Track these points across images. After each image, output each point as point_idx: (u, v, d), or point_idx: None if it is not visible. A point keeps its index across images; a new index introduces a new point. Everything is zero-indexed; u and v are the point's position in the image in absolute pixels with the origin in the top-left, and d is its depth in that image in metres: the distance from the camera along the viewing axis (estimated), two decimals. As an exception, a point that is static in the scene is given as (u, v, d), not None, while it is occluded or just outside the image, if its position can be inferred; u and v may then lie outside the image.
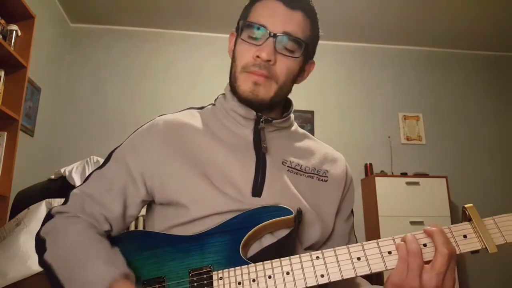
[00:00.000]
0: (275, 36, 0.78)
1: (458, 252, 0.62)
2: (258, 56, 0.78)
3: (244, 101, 0.81)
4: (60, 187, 2.13)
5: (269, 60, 0.78)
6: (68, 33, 3.67)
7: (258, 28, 0.79)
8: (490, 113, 4.12)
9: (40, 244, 0.75)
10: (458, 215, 3.65)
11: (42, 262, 0.73)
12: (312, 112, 3.83)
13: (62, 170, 2.19)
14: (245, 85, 0.80)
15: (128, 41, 3.79)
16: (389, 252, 0.62)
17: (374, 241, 0.63)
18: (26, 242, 1.62)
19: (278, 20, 0.79)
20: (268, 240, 0.73)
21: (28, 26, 2.41)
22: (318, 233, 0.79)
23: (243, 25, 0.81)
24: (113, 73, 3.70)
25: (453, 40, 4.05)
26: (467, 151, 3.97)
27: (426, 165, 3.81)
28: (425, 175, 3.53)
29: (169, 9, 3.52)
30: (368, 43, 4.12)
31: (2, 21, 2.24)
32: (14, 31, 2.29)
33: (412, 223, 3.23)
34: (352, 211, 0.93)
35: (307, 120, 3.81)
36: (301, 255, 0.65)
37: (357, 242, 0.89)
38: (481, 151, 4.00)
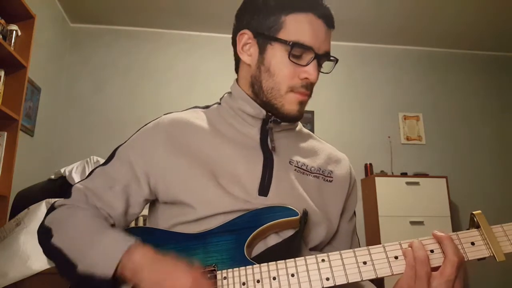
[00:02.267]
0: (319, 57, 0.79)
1: (465, 260, 0.61)
2: (306, 78, 0.78)
3: (289, 119, 0.82)
4: (60, 187, 2.12)
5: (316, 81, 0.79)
6: (68, 33, 3.66)
7: (307, 49, 0.77)
8: (490, 113, 4.12)
9: (46, 233, 0.74)
10: (458, 215, 3.66)
11: (49, 247, 0.72)
12: (312, 112, 3.83)
13: (62, 170, 2.19)
14: (292, 105, 0.80)
15: (128, 41, 3.79)
16: (396, 257, 0.62)
17: (381, 245, 0.63)
18: (26, 242, 1.62)
19: (320, 40, 0.78)
20: (273, 240, 0.72)
21: (28, 26, 2.40)
22: (323, 233, 0.79)
23: (290, 45, 0.76)
24: (113, 73, 3.69)
25: (453, 40, 4.05)
26: (467, 151, 3.97)
27: (426, 165, 3.81)
28: (425, 175, 3.53)
29: (169, 9, 3.52)
30: (368, 43, 4.11)
31: (2, 21, 2.23)
32: (14, 31, 2.28)
33: (412, 223, 3.23)
34: (354, 212, 0.93)
35: (307, 120, 3.80)
36: (307, 257, 0.64)
37: (359, 243, 0.90)
38: (481, 151, 4.00)
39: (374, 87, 4.03)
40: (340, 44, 4.04)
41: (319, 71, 0.81)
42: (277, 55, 0.78)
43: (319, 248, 0.82)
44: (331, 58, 0.82)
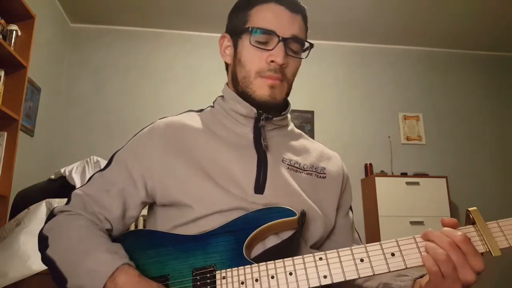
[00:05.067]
0: (284, 40, 0.81)
1: None
2: (272, 61, 0.80)
3: (262, 105, 0.83)
4: (60, 187, 2.12)
5: (283, 64, 0.81)
6: (68, 33, 3.67)
7: (269, 33, 0.81)
8: (489, 113, 4.13)
9: (43, 241, 0.75)
10: (458, 215, 3.65)
11: (45, 258, 0.74)
12: (312, 112, 3.83)
13: (62, 170, 2.19)
14: (262, 90, 0.83)
15: (128, 41, 3.79)
16: (392, 254, 0.62)
17: (377, 243, 0.63)
18: (26, 242, 1.62)
19: (284, 24, 0.82)
20: (272, 241, 0.73)
21: (28, 26, 2.40)
22: (321, 229, 0.81)
23: (250, 30, 0.82)
24: (113, 73, 3.69)
25: (453, 40, 4.06)
26: (467, 151, 3.97)
27: (426, 165, 3.81)
28: (425, 175, 3.53)
29: (169, 9, 3.52)
30: (368, 43, 4.12)
31: (2, 21, 2.23)
32: (14, 31, 2.28)
33: (412, 223, 3.23)
34: (351, 208, 0.95)
35: (307, 120, 3.80)
36: (304, 256, 0.65)
37: (359, 238, 0.90)
38: (481, 151, 4.00)
39: (374, 87, 4.04)
40: (340, 44, 4.05)
41: (288, 55, 0.82)
42: (245, 45, 0.84)
43: (319, 244, 0.83)
44: (307, 44, 0.85)
